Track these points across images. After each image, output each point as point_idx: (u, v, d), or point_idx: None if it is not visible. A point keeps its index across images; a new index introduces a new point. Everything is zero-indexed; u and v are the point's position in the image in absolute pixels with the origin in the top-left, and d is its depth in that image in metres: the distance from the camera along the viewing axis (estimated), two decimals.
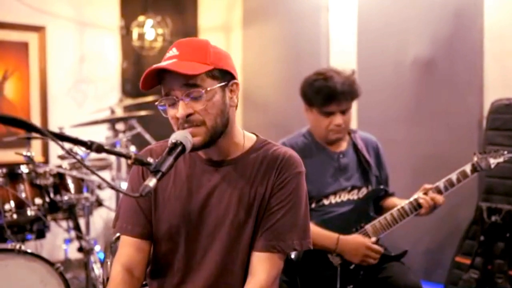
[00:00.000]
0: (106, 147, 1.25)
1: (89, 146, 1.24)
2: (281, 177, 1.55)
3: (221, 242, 1.55)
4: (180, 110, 1.44)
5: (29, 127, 1.11)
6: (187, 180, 1.58)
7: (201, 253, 1.56)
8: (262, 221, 1.55)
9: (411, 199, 2.33)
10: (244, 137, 1.61)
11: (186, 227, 1.57)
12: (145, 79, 1.47)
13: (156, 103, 1.51)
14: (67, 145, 3.16)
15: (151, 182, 1.29)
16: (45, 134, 1.11)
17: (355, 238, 2.30)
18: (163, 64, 1.45)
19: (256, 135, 1.65)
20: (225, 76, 1.51)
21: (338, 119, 2.40)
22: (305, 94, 2.45)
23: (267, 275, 1.51)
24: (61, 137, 1.21)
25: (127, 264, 1.58)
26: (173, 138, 1.41)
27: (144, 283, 1.69)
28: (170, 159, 1.35)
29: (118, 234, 1.87)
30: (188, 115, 1.45)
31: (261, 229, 1.54)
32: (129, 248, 1.60)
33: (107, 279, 1.79)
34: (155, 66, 1.45)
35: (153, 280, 1.66)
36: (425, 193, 2.32)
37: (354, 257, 2.27)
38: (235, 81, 1.54)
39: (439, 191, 2.33)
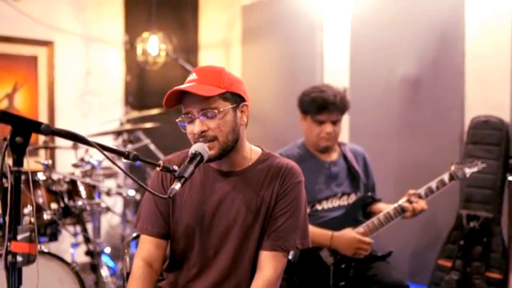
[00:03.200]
0: (140, 157, 1.48)
1: (127, 155, 1.46)
2: (284, 186, 1.75)
3: (231, 242, 1.75)
4: (196, 127, 1.65)
5: (82, 140, 1.34)
6: (201, 187, 1.78)
7: (213, 251, 1.76)
8: (268, 225, 1.75)
9: (396, 204, 2.52)
10: (251, 150, 1.81)
11: (200, 229, 1.77)
12: (168, 98, 1.67)
13: (177, 120, 1.71)
14: (80, 153, 3.25)
15: (177, 186, 1.50)
16: (95, 146, 1.35)
17: (347, 233, 2.47)
18: (183, 86, 1.67)
19: (262, 148, 1.85)
20: (237, 98, 1.72)
21: (328, 128, 2.58)
22: (301, 103, 2.66)
23: (274, 270, 1.72)
24: (104, 148, 1.43)
25: (147, 259, 1.78)
26: (193, 149, 1.62)
27: (160, 278, 1.89)
28: (191, 167, 1.56)
29: (134, 234, 2.10)
30: (203, 131, 1.65)
31: (268, 232, 1.75)
32: (149, 245, 1.80)
33: (127, 274, 2.01)
34: (176, 88, 1.66)
35: (170, 274, 1.86)
36: (409, 199, 2.52)
37: (348, 250, 2.44)
38: (245, 103, 1.75)
39: (420, 197, 2.51)
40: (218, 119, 1.65)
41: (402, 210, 2.51)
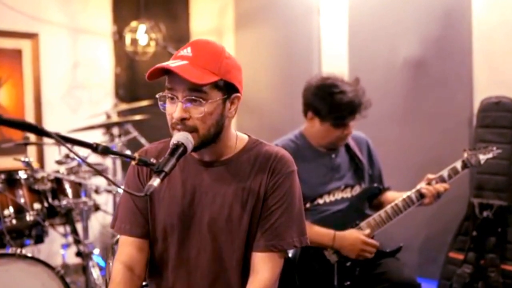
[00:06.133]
0: (111, 149, 1.29)
1: (95, 148, 1.27)
2: (274, 178, 1.58)
3: (216, 240, 1.58)
4: (177, 112, 1.46)
5: (37, 130, 1.15)
6: (181, 180, 1.61)
7: (196, 252, 1.59)
8: (260, 222, 1.58)
9: (404, 196, 2.38)
10: (236, 138, 1.63)
11: (180, 226, 1.59)
12: (153, 71, 1.47)
13: (157, 95, 1.51)
14: (65, 149, 3.15)
15: (155, 182, 1.32)
16: (53, 137, 1.15)
17: (351, 234, 2.34)
18: (174, 64, 1.45)
19: (248, 136, 1.67)
20: (230, 88, 1.52)
21: (350, 129, 2.43)
22: (318, 107, 2.41)
23: (270, 273, 1.55)
24: (67, 139, 1.24)
25: (127, 263, 1.61)
26: (174, 139, 1.44)
27: (145, 283, 1.72)
28: (173, 160, 1.38)
29: (119, 236, 1.91)
30: (183, 119, 1.46)
31: (260, 230, 1.57)
32: (129, 247, 1.63)
33: (110, 279, 1.82)
34: (165, 65, 1.44)
35: (152, 280, 1.69)
36: (418, 192, 2.38)
37: (351, 252, 2.31)
38: (238, 94, 1.55)
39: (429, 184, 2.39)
40: (203, 109, 1.46)
41: (420, 196, 2.37)
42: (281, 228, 1.57)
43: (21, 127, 1.14)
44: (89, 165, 1.23)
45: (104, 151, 1.28)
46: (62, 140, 1.19)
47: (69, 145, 1.21)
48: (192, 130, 1.47)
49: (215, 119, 1.49)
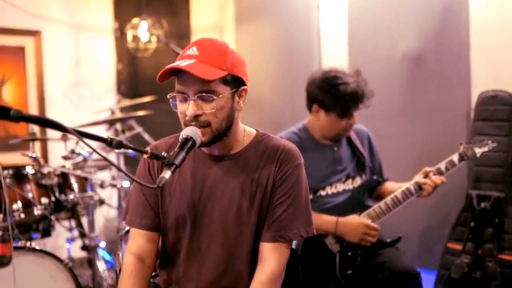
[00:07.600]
0: (124, 143, 1.34)
1: (109, 142, 1.33)
2: (282, 171, 1.63)
3: (226, 232, 1.63)
4: (189, 110, 1.52)
5: (56, 126, 1.20)
6: (191, 174, 1.66)
7: (206, 243, 1.64)
8: (267, 213, 1.63)
9: (403, 188, 2.41)
10: (244, 132, 1.68)
11: (191, 219, 1.65)
12: (162, 74, 1.53)
13: (168, 95, 1.57)
14: (71, 144, 3.15)
15: (167, 174, 1.38)
16: (71, 132, 1.21)
17: (353, 219, 2.37)
18: (182, 64, 1.51)
19: (256, 130, 1.73)
20: (237, 82, 1.58)
21: (354, 118, 2.48)
22: (323, 99, 2.45)
23: (277, 263, 1.61)
24: (83, 134, 1.29)
25: (138, 254, 1.66)
26: (184, 133, 1.50)
27: (154, 274, 1.77)
28: (183, 153, 1.44)
29: (127, 228, 1.98)
30: (196, 115, 1.52)
31: (267, 221, 1.63)
32: (139, 239, 1.68)
33: (120, 270, 1.88)
34: (175, 65, 1.51)
35: (162, 270, 1.74)
36: (416, 184, 2.41)
37: (354, 237, 2.34)
38: (245, 87, 1.61)
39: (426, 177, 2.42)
40: (214, 104, 1.52)
41: (419, 188, 2.41)
42: (288, 219, 1.62)
43: (42, 123, 1.20)
44: (105, 159, 1.28)
45: (118, 145, 1.33)
46: (81, 135, 1.24)
47: (86, 141, 1.26)
48: (206, 125, 1.53)
49: (226, 113, 1.55)
